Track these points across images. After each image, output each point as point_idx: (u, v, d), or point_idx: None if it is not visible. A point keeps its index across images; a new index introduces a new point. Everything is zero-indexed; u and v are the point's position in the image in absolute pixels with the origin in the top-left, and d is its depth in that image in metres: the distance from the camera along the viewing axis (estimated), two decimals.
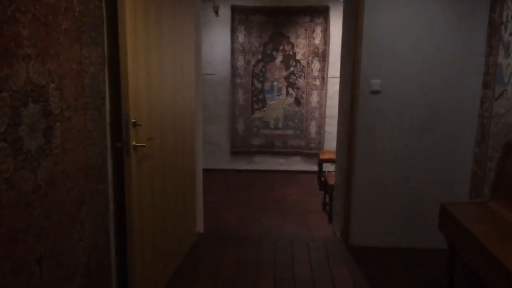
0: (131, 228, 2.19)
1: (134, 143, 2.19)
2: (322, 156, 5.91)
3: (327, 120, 6.47)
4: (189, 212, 3.23)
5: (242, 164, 6.68)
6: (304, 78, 6.33)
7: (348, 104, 3.35)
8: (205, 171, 6.30)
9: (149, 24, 2.33)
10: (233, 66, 6.34)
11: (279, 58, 6.28)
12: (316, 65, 6.30)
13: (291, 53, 6.26)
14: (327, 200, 4.98)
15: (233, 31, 6.23)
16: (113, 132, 2.20)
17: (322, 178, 5.50)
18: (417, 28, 3.08)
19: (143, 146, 2.23)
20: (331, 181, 4.76)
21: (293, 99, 6.41)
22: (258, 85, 6.38)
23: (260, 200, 5.27)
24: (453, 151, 3.19)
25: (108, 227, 2.14)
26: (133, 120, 2.16)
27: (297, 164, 6.67)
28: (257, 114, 6.48)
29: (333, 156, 5.74)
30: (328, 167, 6.17)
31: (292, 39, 6.23)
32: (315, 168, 6.45)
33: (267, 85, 6.38)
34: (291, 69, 6.30)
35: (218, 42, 6.33)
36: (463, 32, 3.06)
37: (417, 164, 3.22)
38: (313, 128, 6.52)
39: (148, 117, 2.36)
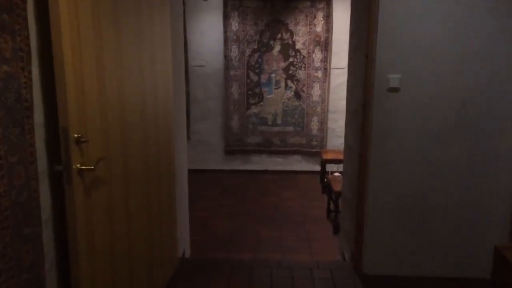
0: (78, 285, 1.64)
1: (79, 165, 1.63)
2: (325, 156, 5.35)
3: (330, 115, 5.90)
4: (167, 236, 2.68)
5: (237, 164, 6.14)
6: (305, 70, 5.75)
7: (359, 104, 2.77)
8: (197, 172, 5.78)
9: (99, 8, 1.74)
10: (226, 57, 5.75)
11: (277, 48, 5.68)
12: (317, 55, 5.70)
13: (290, 42, 5.67)
14: (332, 207, 4.47)
15: (226, 18, 5.63)
16: (53, 151, 1.64)
17: (325, 180, 4.99)
18: (447, 11, 2.48)
19: (92, 169, 1.66)
20: (337, 186, 4.24)
21: (292, 93, 5.83)
22: (254, 78, 5.80)
23: (257, 206, 4.74)
24: (490, 163, 2.60)
25: (42, 281, 1.58)
26: (76, 135, 1.60)
27: (297, 164, 6.12)
28: (253, 110, 5.91)
29: (337, 156, 5.21)
30: (332, 168, 5.64)
31: (291, 27, 5.63)
32: (317, 168, 5.92)
33: (264, 78, 5.80)
34: (290, 59, 5.71)
35: (209, 31, 5.74)
36: (507, 17, 2.46)
37: (444, 178, 2.64)
38: (314, 124, 5.95)
39: (101, 130, 1.79)
